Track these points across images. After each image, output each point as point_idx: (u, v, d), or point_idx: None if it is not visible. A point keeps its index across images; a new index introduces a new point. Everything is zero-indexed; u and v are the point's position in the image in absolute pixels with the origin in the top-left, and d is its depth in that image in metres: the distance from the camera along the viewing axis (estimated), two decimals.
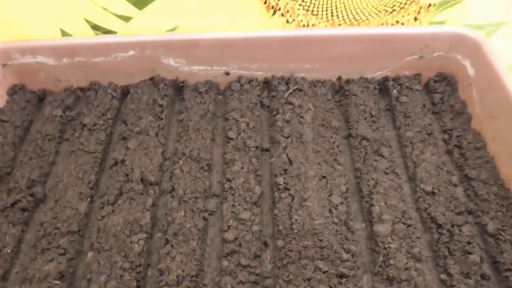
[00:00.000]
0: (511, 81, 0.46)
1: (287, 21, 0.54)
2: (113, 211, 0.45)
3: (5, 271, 0.42)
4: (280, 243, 0.42)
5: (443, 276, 0.40)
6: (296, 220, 0.43)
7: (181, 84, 0.57)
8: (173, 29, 0.56)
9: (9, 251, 0.43)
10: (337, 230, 0.43)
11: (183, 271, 0.40)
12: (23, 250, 0.44)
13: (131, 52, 0.55)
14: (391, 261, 0.40)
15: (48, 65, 0.57)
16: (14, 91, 0.58)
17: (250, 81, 0.57)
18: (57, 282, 0.40)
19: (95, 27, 0.56)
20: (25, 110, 0.56)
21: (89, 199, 0.47)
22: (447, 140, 0.51)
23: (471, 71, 0.53)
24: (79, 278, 0.42)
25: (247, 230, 0.43)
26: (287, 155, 0.49)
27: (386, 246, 0.41)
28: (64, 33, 0.57)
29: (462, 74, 0.54)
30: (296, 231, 0.42)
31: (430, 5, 0.53)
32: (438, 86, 0.56)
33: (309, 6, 0.53)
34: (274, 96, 0.56)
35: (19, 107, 0.56)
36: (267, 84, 0.58)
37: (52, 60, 0.56)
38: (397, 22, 0.54)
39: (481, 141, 0.50)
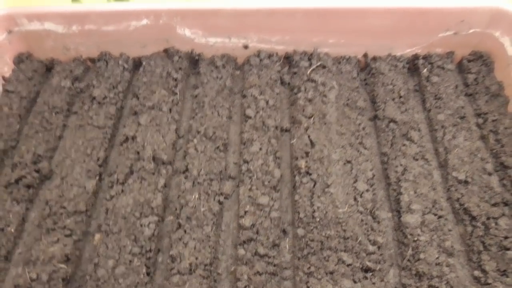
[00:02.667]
0: None
1: None
2: (122, 191, 0.43)
3: (8, 251, 0.40)
4: (300, 231, 0.39)
5: (476, 272, 0.37)
6: (318, 207, 0.40)
7: (197, 57, 0.54)
8: None
9: (12, 230, 0.41)
10: (362, 220, 0.40)
11: (196, 258, 0.38)
12: (27, 230, 0.42)
13: (145, 21, 0.51)
14: (421, 255, 0.37)
15: (56, 33, 0.53)
16: (20, 59, 0.55)
17: (270, 55, 0.53)
18: (62, 265, 0.38)
19: None
20: (32, 80, 0.53)
21: (97, 177, 0.44)
22: (481, 124, 0.48)
23: (510, 50, 0.48)
24: (85, 262, 0.39)
25: (265, 217, 0.40)
26: (308, 136, 0.45)
27: (416, 238, 0.38)
28: (73, 0, 0.53)
29: (500, 53, 0.50)
30: (318, 219, 0.39)
31: None
32: (472, 66, 0.52)
33: None
34: (295, 73, 0.52)
35: (26, 76, 0.53)
36: (288, 59, 0.54)
37: (61, 28, 0.53)
38: None
39: None
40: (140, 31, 0.52)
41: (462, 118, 0.48)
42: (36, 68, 0.55)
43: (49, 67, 0.56)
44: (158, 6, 0.50)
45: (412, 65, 0.54)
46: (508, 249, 0.37)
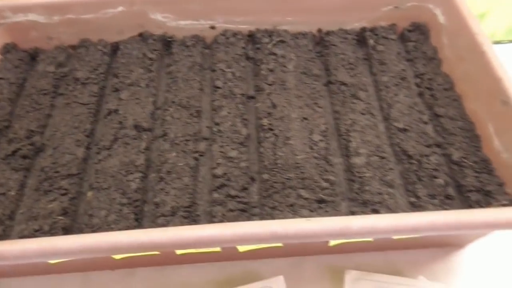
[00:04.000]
0: (475, 24, 0.50)
1: None
2: (109, 155, 0.49)
3: (12, 211, 0.45)
4: (265, 176, 0.46)
5: (412, 199, 0.44)
6: (280, 156, 0.47)
7: (169, 39, 0.60)
8: None
9: (13, 193, 0.46)
10: (317, 164, 0.47)
11: (177, 203, 0.44)
12: (26, 194, 0.47)
13: (120, 8, 0.57)
14: (366, 187, 0.44)
15: (39, 23, 0.59)
16: (6, 50, 0.60)
17: (235, 34, 0.60)
18: (60, 217, 0.44)
19: None
20: (19, 68, 0.59)
21: (85, 145, 0.50)
22: (419, 83, 0.55)
23: (442, 19, 0.56)
24: (81, 215, 0.45)
25: (235, 167, 0.47)
26: (271, 100, 0.52)
27: (362, 175, 0.45)
28: None
29: (434, 22, 0.58)
30: (280, 165, 0.46)
31: None
32: (411, 35, 0.60)
33: None
34: (258, 48, 0.59)
35: (13, 65, 0.59)
36: (251, 37, 0.60)
37: (43, 18, 0.58)
38: None
39: (450, 82, 0.54)
40: (116, 18, 0.58)
41: (403, 79, 0.55)
42: (22, 57, 0.60)
43: (33, 56, 0.61)
44: None
45: (361, 37, 0.61)
46: (436, 177, 0.45)
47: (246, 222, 0.36)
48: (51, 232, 0.43)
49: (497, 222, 0.34)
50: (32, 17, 0.58)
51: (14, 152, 0.49)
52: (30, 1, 0.57)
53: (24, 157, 0.49)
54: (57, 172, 0.47)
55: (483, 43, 0.48)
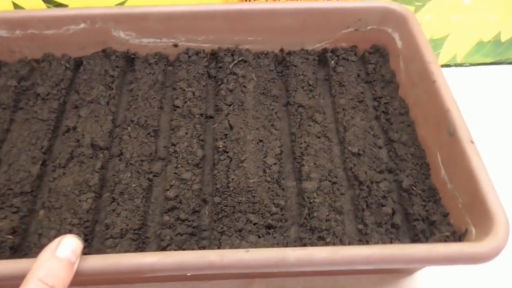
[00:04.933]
0: (429, 52, 0.51)
1: None
2: (64, 173, 0.49)
3: None
4: (217, 199, 0.46)
5: (360, 226, 0.45)
6: (232, 179, 0.47)
7: (132, 56, 0.60)
8: (122, 3, 0.58)
9: None
10: (269, 188, 0.47)
11: (127, 225, 0.44)
12: None
13: (82, 25, 0.57)
14: (315, 214, 0.45)
15: (1, 37, 0.58)
16: None
17: (197, 52, 0.60)
18: (9, 236, 0.44)
19: (46, 0, 0.58)
20: None
21: (41, 162, 0.50)
22: (376, 106, 0.56)
23: (399, 43, 0.57)
24: (31, 234, 0.45)
25: (188, 189, 0.47)
26: (228, 121, 0.53)
27: (312, 201, 0.46)
28: (16, 6, 0.59)
29: (392, 46, 0.59)
30: (232, 188, 0.47)
31: None
32: (372, 58, 0.61)
33: None
34: (220, 67, 0.59)
35: None
36: (214, 55, 0.61)
37: (5, 32, 0.58)
38: None
39: (405, 107, 0.55)
40: (78, 34, 0.58)
41: (360, 101, 0.56)
42: None
43: None
44: (93, 11, 0.56)
45: (322, 57, 0.62)
46: (384, 205, 0.46)
47: (185, 252, 0.37)
48: None
49: (429, 258, 0.35)
50: None
51: None
52: None
53: None
54: (10, 189, 0.47)
55: (435, 72, 0.49)
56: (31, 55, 0.61)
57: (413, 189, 0.47)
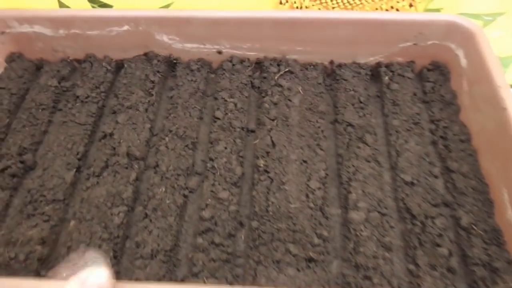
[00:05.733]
0: (499, 75, 0.46)
1: (280, 3, 0.54)
2: (97, 182, 0.47)
3: None
4: (254, 224, 0.43)
5: (411, 266, 0.41)
6: (272, 202, 0.44)
7: (175, 61, 0.58)
8: (167, 6, 0.56)
9: None
10: (311, 215, 0.44)
11: (158, 245, 0.42)
12: (10, 214, 0.46)
13: (125, 27, 0.55)
14: (361, 249, 0.41)
15: (45, 35, 0.57)
16: (12, 59, 0.59)
17: (242, 61, 0.57)
18: (38, 247, 0.42)
19: (91, 0, 0.56)
20: (22, 78, 0.58)
21: (75, 169, 0.49)
22: (433, 130, 0.51)
23: (463, 62, 0.52)
24: (60, 245, 0.44)
25: (224, 210, 0.44)
26: (271, 137, 0.49)
27: (358, 233, 0.42)
28: (61, 5, 0.58)
29: (455, 64, 0.53)
30: (271, 213, 0.43)
31: None
32: (431, 75, 0.56)
33: None
34: (265, 77, 0.56)
35: (17, 74, 0.58)
36: (259, 64, 0.58)
37: (49, 31, 0.57)
38: (392, 7, 0.53)
39: (467, 134, 0.49)
40: (121, 36, 0.56)
41: (416, 123, 0.51)
42: (27, 67, 0.59)
43: (38, 67, 0.60)
44: (137, 13, 0.54)
45: (376, 72, 0.57)
46: (440, 245, 0.41)
47: None
48: (26, 261, 0.41)
49: None
50: (37, 29, 0.57)
51: (3, 170, 0.48)
52: (35, 13, 0.56)
53: (13, 175, 0.48)
54: (43, 195, 0.46)
55: (506, 98, 0.43)
56: (73, 55, 0.60)
57: (473, 228, 0.42)
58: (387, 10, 0.54)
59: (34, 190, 0.46)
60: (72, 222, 0.45)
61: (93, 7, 0.57)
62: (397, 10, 0.54)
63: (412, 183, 0.46)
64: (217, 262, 0.41)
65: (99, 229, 0.43)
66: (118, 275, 0.41)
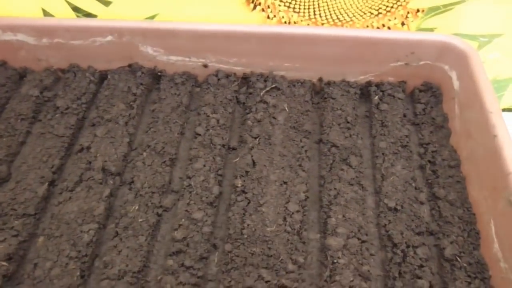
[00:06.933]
0: (491, 100, 0.44)
1: (268, 17, 0.52)
2: (70, 198, 0.45)
3: None
4: (228, 247, 0.41)
5: None
6: (248, 225, 0.42)
7: (159, 73, 0.57)
8: (152, 17, 0.55)
9: None
10: (288, 239, 0.42)
11: (127, 265, 0.40)
12: None
13: (109, 37, 0.54)
14: (337, 277, 0.39)
15: (28, 44, 0.56)
16: None
17: (228, 75, 0.56)
18: (4, 263, 0.40)
19: (75, 9, 0.56)
20: (5, 87, 0.56)
21: (49, 183, 0.47)
22: (422, 154, 0.49)
23: (456, 84, 0.50)
24: (28, 261, 0.42)
25: (197, 231, 0.42)
26: (251, 156, 0.48)
27: (335, 260, 0.40)
28: (46, 13, 0.57)
29: (448, 86, 0.52)
30: (246, 236, 0.42)
31: (418, 10, 0.50)
32: (422, 96, 0.54)
33: (290, 3, 0.51)
34: (250, 93, 0.54)
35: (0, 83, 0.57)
36: (245, 80, 0.56)
37: (32, 39, 0.56)
38: (383, 25, 0.52)
39: (456, 160, 0.47)
40: (105, 47, 0.55)
41: (404, 146, 0.49)
42: (10, 76, 0.58)
43: (22, 75, 0.59)
44: (121, 23, 0.53)
45: (365, 91, 0.56)
46: (420, 277, 0.39)
47: None
48: None
49: None
50: (21, 37, 0.56)
51: None
52: (19, 21, 0.55)
53: None
54: (13, 209, 0.44)
55: (497, 125, 0.42)
56: (57, 64, 0.58)
57: (457, 260, 0.40)
58: (378, 27, 0.52)
59: (5, 203, 0.45)
60: (41, 238, 0.43)
61: (77, 16, 0.56)
62: (389, 28, 0.52)
63: (396, 209, 0.44)
64: (186, 286, 0.39)
65: (67, 246, 0.41)
66: None
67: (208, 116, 0.52)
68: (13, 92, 0.57)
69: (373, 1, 0.50)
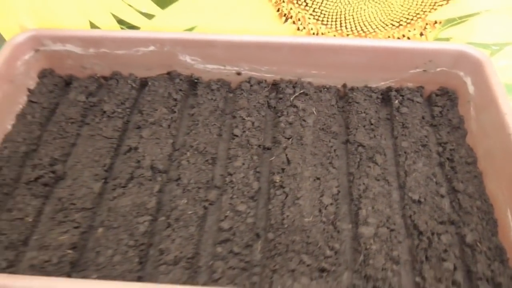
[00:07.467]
0: (505, 103, 0.49)
1: (298, 29, 0.57)
2: (123, 193, 0.50)
3: (26, 237, 0.47)
4: (270, 235, 0.46)
5: (417, 279, 0.43)
6: (287, 216, 0.47)
7: (196, 80, 0.62)
8: (191, 29, 0.60)
9: (30, 220, 0.48)
10: (324, 229, 0.46)
11: (181, 252, 0.45)
12: (42, 221, 0.49)
13: (151, 47, 0.59)
14: (370, 261, 0.44)
15: (75, 53, 0.61)
16: (44, 74, 0.63)
17: (259, 82, 0.61)
18: (69, 251, 0.45)
19: (120, 22, 0.61)
20: (53, 93, 0.62)
21: (103, 180, 0.52)
22: (440, 152, 0.54)
23: (471, 89, 0.55)
24: (89, 250, 0.46)
25: (242, 221, 0.47)
26: (286, 155, 0.52)
27: (368, 247, 0.45)
28: (92, 25, 0.62)
29: (463, 91, 0.57)
30: (286, 226, 0.46)
31: (436, 22, 0.55)
32: (439, 100, 0.59)
33: (319, 16, 0.56)
34: (281, 98, 0.59)
35: (48, 89, 0.62)
36: (275, 86, 0.61)
37: (80, 49, 0.61)
38: (403, 36, 0.57)
39: (473, 157, 0.52)
40: (147, 56, 0.60)
41: (424, 146, 0.54)
42: (57, 83, 0.63)
43: (67, 82, 0.64)
44: (163, 35, 0.57)
45: (386, 96, 0.60)
46: (445, 260, 0.43)
47: None
48: (59, 264, 0.44)
49: None
50: (69, 47, 0.61)
51: (36, 179, 0.51)
52: (68, 33, 0.60)
53: (45, 184, 0.51)
54: (73, 204, 0.49)
55: (510, 122, 0.46)
56: (100, 72, 0.64)
57: (477, 245, 0.45)
58: (399, 38, 0.57)
59: (64, 198, 0.50)
60: (100, 229, 0.48)
61: (122, 28, 0.61)
62: (409, 38, 0.57)
63: (419, 202, 0.49)
64: (235, 269, 0.43)
65: (125, 236, 0.46)
66: (142, 280, 0.44)
67: (244, 119, 0.56)
68: (61, 97, 0.62)
69: (395, 14, 0.55)
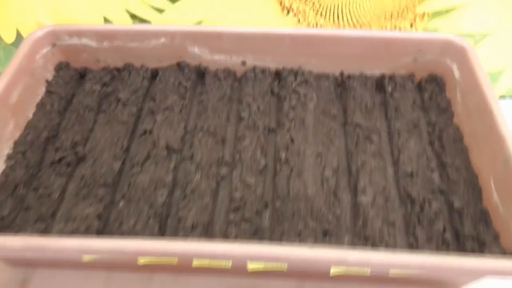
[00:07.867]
0: (487, 84, 0.54)
1: (299, 21, 0.62)
2: (141, 170, 0.54)
3: (53, 211, 0.51)
4: (278, 204, 0.50)
5: (411, 239, 0.48)
6: (293, 188, 0.52)
7: (203, 71, 0.66)
8: (199, 22, 0.65)
9: (56, 196, 0.52)
10: (326, 198, 0.51)
11: (197, 220, 0.49)
12: (67, 198, 0.53)
13: (162, 40, 0.64)
14: (369, 225, 0.48)
15: (90, 47, 0.66)
16: (60, 67, 0.67)
17: (263, 71, 0.65)
18: (95, 221, 0.49)
19: (133, 16, 0.65)
20: (69, 84, 0.66)
21: (121, 160, 0.56)
22: (430, 132, 0.59)
23: (457, 74, 0.60)
24: (112, 221, 0.51)
25: (252, 193, 0.52)
26: (290, 135, 0.57)
27: (366, 213, 0.49)
28: (106, 20, 0.66)
29: (450, 77, 0.62)
30: (291, 196, 0.51)
31: (424, 14, 0.61)
32: (428, 86, 0.64)
33: (318, 10, 0.61)
34: (283, 86, 0.64)
35: (64, 81, 0.66)
36: (278, 74, 0.66)
37: (95, 43, 0.65)
38: (395, 27, 0.62)
39: (459, 135, 0.57)
40: (158, 48, 0.64)
41: (415, 126, 0.59)
42: (72, 75, 0.67)
43: (82, 75, 0.68)
44: (174, 28, 0.62)
45: (380, 83, 0.66)
46: (435, 223, 0.48)
47: (255, 243, 0.41)
48: (86, 232, 0.48)
49: (485, 269, 0.37)
50: (84, 41, 0.65)
51: (59, 160, 0.56)
52: (84, 27, 0.64)
53: (68, 164, 0.56)
54: (95, 181, 0.53)
55: (492, 104, 0.52)
56: (113, 64, 0.68)
57: (464, 210, 0.50)
58: (390, 29, 0.63)
59: (87, 176, 0.54)
60: (122, 202, 0.52)
61: (133, 22, 0.66)
62: (400, 29, 0.63)
63: (412, 175, 0.54)
64: (247, 233, 0.48)
65: (145, 207, 0.50)
66: None
67: (250, 104, 0.61)
68: (77, 88, 0.66)
69: (386, 7, 0.61)
